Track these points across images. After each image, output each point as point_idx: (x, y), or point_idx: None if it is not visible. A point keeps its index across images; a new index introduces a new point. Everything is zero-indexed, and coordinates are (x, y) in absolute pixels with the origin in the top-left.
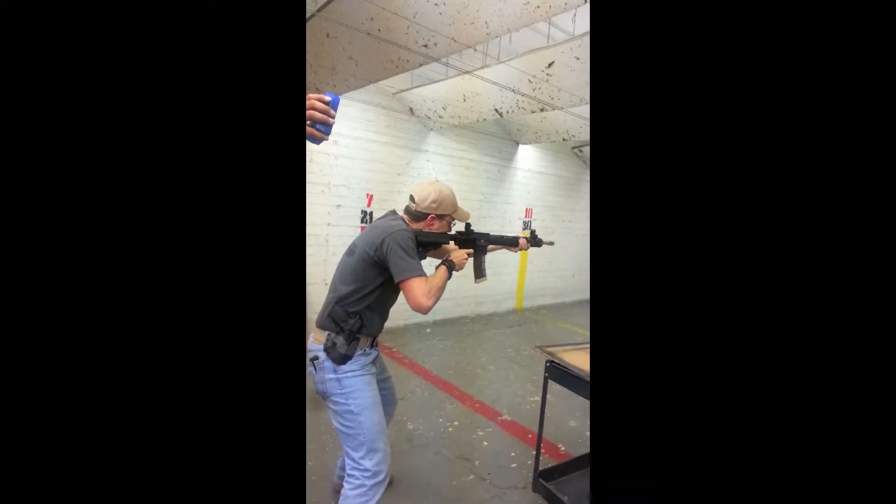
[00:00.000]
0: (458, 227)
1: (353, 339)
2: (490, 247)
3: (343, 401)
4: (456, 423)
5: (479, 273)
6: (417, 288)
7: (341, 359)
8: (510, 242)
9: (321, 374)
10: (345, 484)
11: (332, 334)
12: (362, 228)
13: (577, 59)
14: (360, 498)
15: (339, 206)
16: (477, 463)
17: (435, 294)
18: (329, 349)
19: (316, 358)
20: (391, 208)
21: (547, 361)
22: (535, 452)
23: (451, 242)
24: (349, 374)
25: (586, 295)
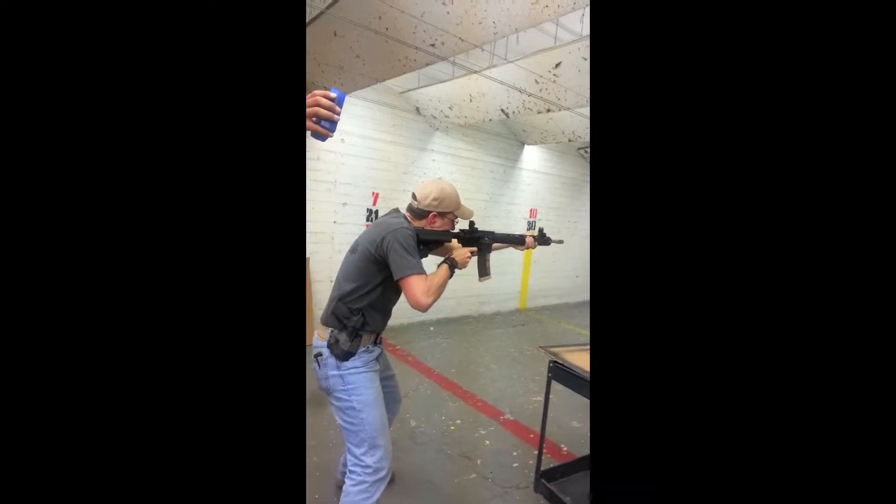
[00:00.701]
0: (463, 224)
1: (355, 335)
2: (495, 245)
3: (346, 397)
4: (458, 421)
5: (483, 272)
6: (416, 286)
7: (344, 355)
8: (516, 241)
9: (324, 370)
10: (346, 480)
11: (336, 331)
12: (367, 227)
13: (585, 59)
14: (361, 494)
15: (344, 204)
16: (479, 462)
17: (434, 292)
18: (332, 346)
19: (320, 354)
20: (395, 207)
21: (550, 362)
22: (536, 452)
23: (455, 241)
24: (352, 370)
25: (588, 297)
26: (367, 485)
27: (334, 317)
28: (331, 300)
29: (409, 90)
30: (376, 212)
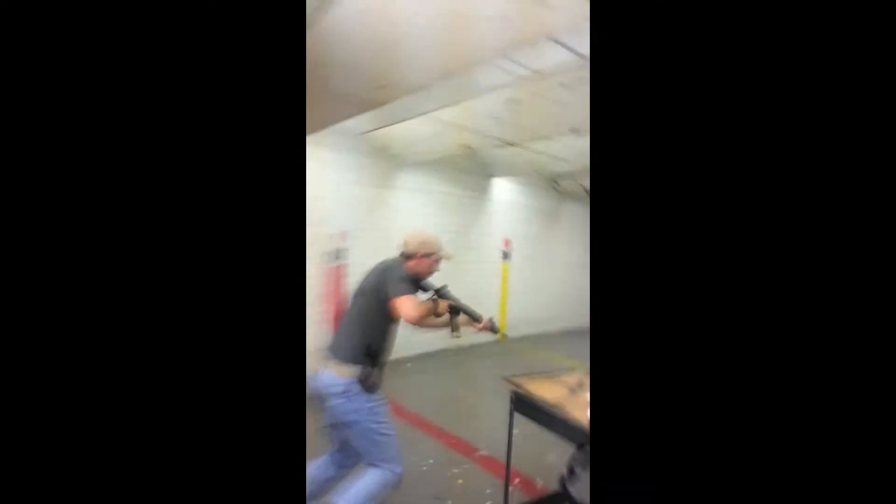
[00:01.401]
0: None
1: (381, 370)
2: (458, 311)
3: (375, 424)
4: (431, 461)
5: (454, 327)
6: (407, 302)
7: (374, 388)
8: (475, 317)
9: (354, 404)
10: (374, 470)
11: (367, 367)
12: (330, 267)
13: (540, 96)
14: (382, 484)
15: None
16: (449, 502)
17: (421, 309)
18: (363, 381)
19: (348, 390)
20: (368, 247)
21: (512, 393)
22: (508, 488)
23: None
24: (380, 401)
25: (569, 324)
26: (390, 483)
27: (367, 356)
28: (354, 341)
29: (371, 131)
30: (345, 250)
